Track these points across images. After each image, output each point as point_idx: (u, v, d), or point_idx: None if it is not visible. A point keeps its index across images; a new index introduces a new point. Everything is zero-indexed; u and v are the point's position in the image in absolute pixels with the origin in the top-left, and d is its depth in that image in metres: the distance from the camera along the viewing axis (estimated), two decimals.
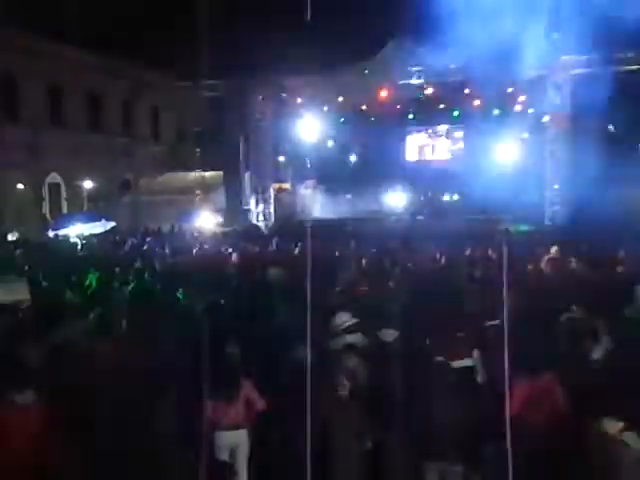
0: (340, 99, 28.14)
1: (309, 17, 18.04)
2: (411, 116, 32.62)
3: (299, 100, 28.28)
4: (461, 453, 5.07)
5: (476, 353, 6.40)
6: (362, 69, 26.11)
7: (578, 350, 6.44)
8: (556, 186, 24.57)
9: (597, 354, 6.14)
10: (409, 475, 5.28)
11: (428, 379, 5.79)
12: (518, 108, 28.27)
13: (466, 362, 6.24)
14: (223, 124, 31.24)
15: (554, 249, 14.76)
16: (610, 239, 16.03)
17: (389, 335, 7.08)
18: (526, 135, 30.73)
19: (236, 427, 6.23)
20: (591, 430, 4.52)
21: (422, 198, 34.58)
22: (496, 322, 7.97)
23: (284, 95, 28.72)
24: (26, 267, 13.63)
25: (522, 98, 27.36)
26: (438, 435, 5.12)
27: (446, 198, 34.40)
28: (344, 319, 7.96)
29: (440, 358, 6.01)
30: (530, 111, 28.32)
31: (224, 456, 6.19)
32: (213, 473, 5.46)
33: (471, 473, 5.02)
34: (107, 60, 29.34)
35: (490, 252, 14.77)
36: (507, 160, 30.69)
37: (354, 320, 7.71)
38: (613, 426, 4.32)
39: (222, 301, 9.66)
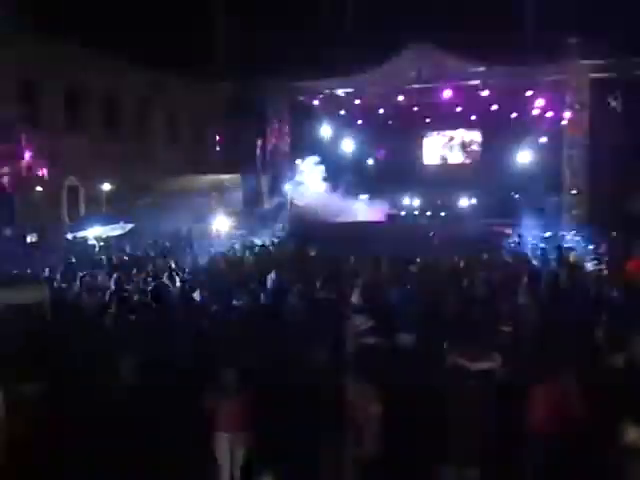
0: (357, 102, 28.16)
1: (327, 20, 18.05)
2: (428, 120, 32.56)
3: (316, 102, 28.35)
4: (478, 456, 5.05)
5: (496, 356, 6.34)
6: (380, 72, 26.10)
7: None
8: (574, 191, 24.36)
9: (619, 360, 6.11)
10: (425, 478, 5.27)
11: (447, 382, 5.79)
12: (536, 112, 28.12)
13: (485, 365, 6.19)
14: (240, 126, 31.38)
15: (572, 255, 14.74)
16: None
17: (406, 339, 7.05)
18: (544, 139, 30.57)
19: (233, 430, 6.15)
20: (611, 435, 4.49)
21: (439, 202, 34.49)
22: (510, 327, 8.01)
23: (301, 98, 28.80)
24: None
25: (540, 102, 27.21)
26: (455, 438, 5.11)
27: (463, 202, 34.26)
28: (361, 321, 7.96)
29: (459, 361, 5.98)
30: (548, 115, 28.19)
31: (222, 458, 6.15)
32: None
33: (488, 477, 5.00)
34: (123, 62, 29.53)
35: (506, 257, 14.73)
36: (524, 164, 30.52)
37: (370, 323, 7.69)
38: (634, 431, 4.29)
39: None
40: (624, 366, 5.99)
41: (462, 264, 14.62)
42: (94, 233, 21.86)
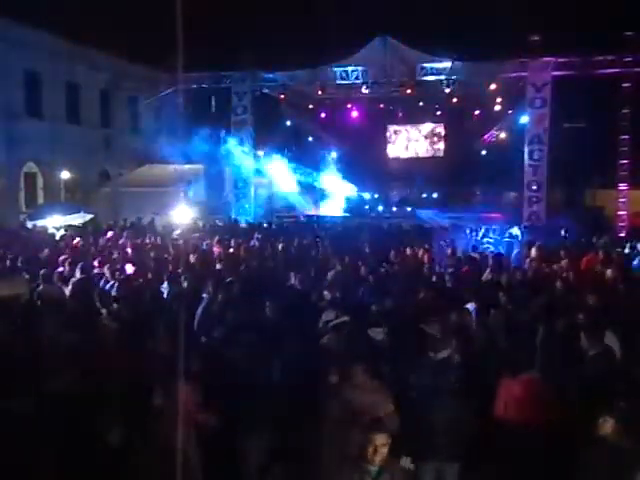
0: (320, 93, 28.10)
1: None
2: (393, 114, 32.83)
3: (282, 96, 28.25)
4: (456, 451, 5.12)
5: (454, 343, 6.20)
6: (345, 66, 26.15)
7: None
8: (534, 186, 24.81)
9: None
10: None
11: (417, 376, 5.84)
12: (498, 108, 28.54)
13: (444, 353, 6.05)
14: (204, 117, 31.10)
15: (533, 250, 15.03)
16: None
17: (378, 333, 7.10)
18: (504, 135, 31.11)
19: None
20: (583, 429, 4.62)
21: (394, 193, 35.00)
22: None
23: (266, 90, 28.66)
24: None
25: (502, 98, 27.63)
26: (433, 433, 5.17)
27: (424, 195, 34.66)
28: (330, 317, 7.99)
29: (429, 353, 6.00)
30: (510, 112, 28.66)
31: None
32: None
33: (467, 471, 5.08)
34: (87, 50, 28.98)
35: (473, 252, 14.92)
36: (486, 159, 31.07)
37: (341, 318, 7.70)
38: (606, 426, 4.42)
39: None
40: (596, 359, 6.13)
41: (426, 258, 14.77)
42: (54, 222, 21.37)
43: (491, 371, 6.04)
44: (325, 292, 9.63)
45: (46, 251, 14.99)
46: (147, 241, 18.15)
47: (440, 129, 35.62)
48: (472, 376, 5.75)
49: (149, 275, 12.19)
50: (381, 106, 31.10)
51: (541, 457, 4.97)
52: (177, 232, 20.48)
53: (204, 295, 9.46)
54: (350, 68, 26.16)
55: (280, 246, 16.28)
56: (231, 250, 16.11)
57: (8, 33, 24.90)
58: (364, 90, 26.53)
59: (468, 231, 20.77)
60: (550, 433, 5.11)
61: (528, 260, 14.16)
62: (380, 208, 32.92)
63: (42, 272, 10.89)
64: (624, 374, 5.91)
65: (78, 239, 17.51)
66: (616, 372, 6.03)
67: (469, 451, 5.08)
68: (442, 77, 25.35)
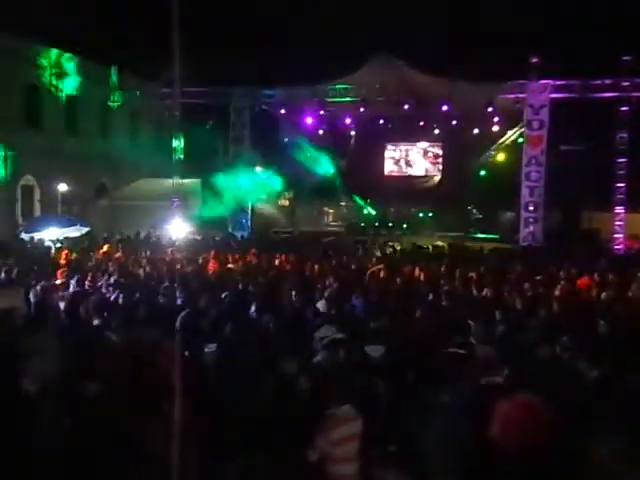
0: (322, 112, 28.29)
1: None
2: (391, 132, 32.96)
3: (282, 111, 28.36)
4: (449, 471, 5.05)
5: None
6: (344, 83, 26.29)
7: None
8: (531, 207, 24.89)
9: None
10: None
11: (414, 394, 5.77)
12: (496, 129, 28.68)
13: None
14: (203, 132, 31.19)
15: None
16: None
17: (375, 350, 7.02)
18: (503, 156, 31.23)
19: None
20: (581, 452, 4.54)
21: (392, 210, 35.04)
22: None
23: (265, 107, 28.78)
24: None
25: (500, 119, 27.78)
26: (426, 453, 5.10)
27: (420, 214, 34.74)
28: (327, 333, 7.90)
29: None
30: (509, 132, 28.82)
31: None
32: None
33: None
34: (87, 64, 29.15)
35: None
36: (484, 179, 31.18)
37: (339, 335, 7.60)
38: (604, 449, 4.34)
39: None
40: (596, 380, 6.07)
41: (422, 277, 14.72)
42: (50, 235, 21.29)
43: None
44: (320, 307, 9.57)
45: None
46: (142, 255, 18.07)
47: (437, 148, 35.76)
48: None
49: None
50: (379, 124, 31.22)
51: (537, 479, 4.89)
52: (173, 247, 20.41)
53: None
54: (349, 85, 26.31)
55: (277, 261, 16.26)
56: (229, 266, 16.03)
57: (9, 47, 25.02)
58: (362, 108, 26.69)
59: None
60: (548, 455, 5.02)
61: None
62: (376, 224, 32.96)
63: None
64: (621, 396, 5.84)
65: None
66: (615, 394, 5.96)
67: (465, 471, 5.00)
68: (440, 96, 25.46)
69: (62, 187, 27.92)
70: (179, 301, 10.79)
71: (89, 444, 4.70)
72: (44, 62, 27.69)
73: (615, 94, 24.16)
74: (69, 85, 29.18)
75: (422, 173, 36.48)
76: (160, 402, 4.94)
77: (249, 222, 28.72)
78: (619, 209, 25.22)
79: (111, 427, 4.78)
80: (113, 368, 5.93)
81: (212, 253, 17.48)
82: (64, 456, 4.67)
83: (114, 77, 28.18)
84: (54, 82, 28.30)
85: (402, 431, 5.39)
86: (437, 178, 35.88)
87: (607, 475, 4.27)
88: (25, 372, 5.10)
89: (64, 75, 28.67)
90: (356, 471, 5.21)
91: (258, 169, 31.23)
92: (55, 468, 4.64)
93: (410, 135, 34.38)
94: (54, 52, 27.96)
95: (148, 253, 18.29)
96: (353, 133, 31.33)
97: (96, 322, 8.83)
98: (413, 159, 36.43)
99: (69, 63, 28.84)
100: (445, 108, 25.97)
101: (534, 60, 24.14)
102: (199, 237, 24.79)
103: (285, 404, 5.62)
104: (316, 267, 15.10)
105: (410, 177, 36.43)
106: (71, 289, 11.73)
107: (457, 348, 6.50)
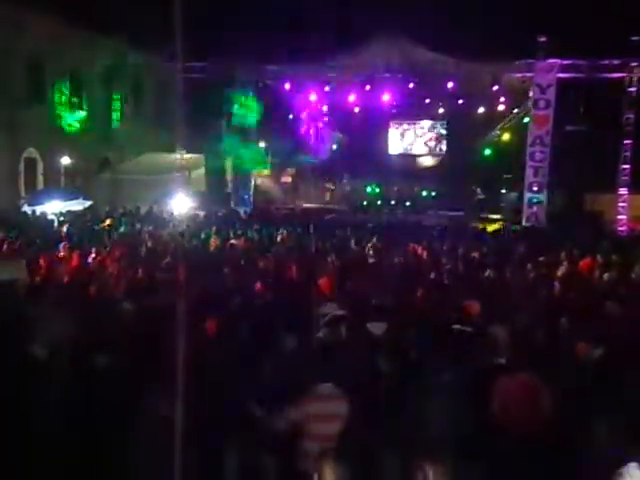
0: (326, 89, 28.06)
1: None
2: (395, 110, 32.71)
3: (287, 86, 28.13)
4: (449, 451, 5.06)
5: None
6: (349, 61, 26.06)
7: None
8: (535, 187, 24.79)
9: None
10: (396, 475, 5.23)
11: (413, 375, 5.76)
12: (501, 108, 28.47)
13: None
14: (206, 107, 30.95)
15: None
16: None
17: (378, 327, 7.02)
18: (508, 135, 31.04)
19: None
20: (579, 432, 4.58)
21: (395, 189, 34.91)
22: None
23: (269, 81, 28.56)
24: None
25: (506, 98, 27.57)
26: (426, 433, 5.11)
27: (423, 192, 34.64)
28: (330, 310, 7.90)
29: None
30: (514, 111, 28.60)
31: None
32: None
33: (461, 471, 5.01)
34: (90, 35, 28.85)
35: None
36: (488, 158, 31.03)
37: (340, 311, 7.61)
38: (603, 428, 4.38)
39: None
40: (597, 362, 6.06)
41: (426, 255, 14.71)
42: (53, 208, 21.28)
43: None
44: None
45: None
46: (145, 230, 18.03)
47: (442, 127, 35.55)
48: None
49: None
50: (383, 102, 31.00)
51: (537, 459, 4.92)
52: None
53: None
54: (354, 62, 26.07)
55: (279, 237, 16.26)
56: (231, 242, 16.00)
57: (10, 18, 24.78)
58: (367, 86, 26.51)
59: None
60: (547, 433, 5.05)
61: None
62: (379, 203, 32.89)
63: None
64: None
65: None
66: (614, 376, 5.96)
67: (465, 450, 5.01)
68: (445, 75, 25.27)
69: (65, 160, 27.84)
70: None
71: (98, 412, 4.71)
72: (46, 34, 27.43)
73: (623, 74, 23.98)
74: (72, 58, 28.93)
75: (426, 152, 36.31)
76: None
77: (251, 198, 28.66)
78: (623, 190, 25.13)
79: (121, 397, 4.78)
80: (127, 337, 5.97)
81: (214, 229, 17.51)
82: (72, 423, 4.70)
83: (118, 50, 27.97)
84: (57, 54, 28.02)
85: (402, 410, 5.40)
86: (441, 157, 35.73)
87: (606, 454, 4.32)
88: (34, 338, 5.14)
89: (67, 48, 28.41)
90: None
91: (261, 144, 31.08)
92: (63, 435, 4.66)
93: (415, 114, 34.16)
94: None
95: (150, 228, 18.28)
96: (357, 110, 31.10)
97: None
98: (417, 138, 36.24)
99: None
100: (450, 85, 25.78)
101: (542, 39, 23.90)
102: (202, 212, 24.72)
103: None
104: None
105: (414, 156, 36.29)
106: None
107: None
